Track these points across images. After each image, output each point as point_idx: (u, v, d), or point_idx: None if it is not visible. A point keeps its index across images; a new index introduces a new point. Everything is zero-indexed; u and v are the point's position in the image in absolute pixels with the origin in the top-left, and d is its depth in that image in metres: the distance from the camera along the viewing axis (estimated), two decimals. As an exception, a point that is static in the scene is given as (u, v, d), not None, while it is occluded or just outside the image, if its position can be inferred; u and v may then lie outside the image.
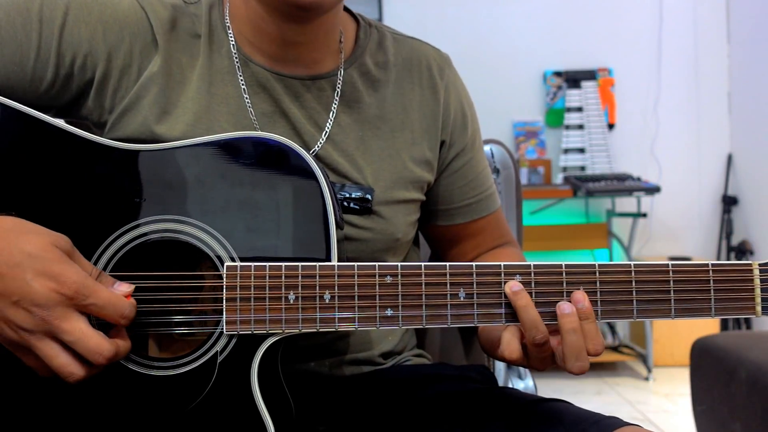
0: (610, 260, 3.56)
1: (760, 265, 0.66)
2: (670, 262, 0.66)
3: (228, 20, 0.80)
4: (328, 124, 0.81)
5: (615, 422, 0.68)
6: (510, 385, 1.08)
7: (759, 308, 0.66)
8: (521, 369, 1.12)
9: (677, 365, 3.21)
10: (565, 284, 0.65)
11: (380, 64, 0.86)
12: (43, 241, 0.59)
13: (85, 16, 0.75)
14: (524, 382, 1.10)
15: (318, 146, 0.80)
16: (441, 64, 0.90)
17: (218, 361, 0.65)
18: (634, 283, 0.66)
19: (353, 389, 0.83)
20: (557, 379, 3.19)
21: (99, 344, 0.59)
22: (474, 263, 0.65)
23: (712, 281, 0.66)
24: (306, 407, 0.78)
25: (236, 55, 0.79)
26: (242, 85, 0.78)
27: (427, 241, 0.97)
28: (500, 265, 0.65)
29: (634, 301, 0.66)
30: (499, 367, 1.09)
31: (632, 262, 0.66)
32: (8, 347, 0.60)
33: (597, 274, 0.65)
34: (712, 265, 0.66)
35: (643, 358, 3.27)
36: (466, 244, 0.92)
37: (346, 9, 0.86)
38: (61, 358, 0.59)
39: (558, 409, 0.72)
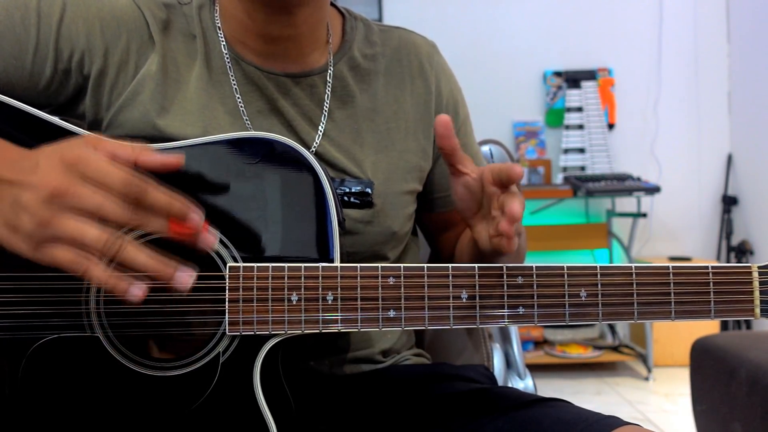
0: (610, 260, 3.56)
1: (759, 267, 0.67)
2: (671, 265, 0.66)
3: (218, 21, 0.80)
4: (322, 121, 0.81)
5: (615, 422, 0.68)
6: (510, 385, 1.08)
7: (758, 310, 0.67)
8: (521, 369, 1.13)
9: (677, 365, 3.21)
10: (566, 286, 0.66)
11: (369, 56, 0.86)
12: (70, 139, 0.58)
13: (82, 12, 0.75)
14: (524, 382, 1.10)
15: (316, 143, 0.80)
16: (429, 51, 0.90)
17: (221, 362, 0.65)
18: (635, 285, 0.66)
19: (353, 388, 0.83)
20: (557, 379, 3.19)
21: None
22: (476, 265, 0.66)
23: (711, 283, 0.66)
24: (306, 406, 0.78)
25: (227, 55, 0.79)
26: (234, 84, 0.79)
27: (421, 230, 0.97)
28: (502, 267, 0.66)
29: (635, 303, 0.66)
30: (499, 367, 1.09)
31: (633, 264, 0.66)
32: (30, 250, 0.56)
33: (598, 276, 0.66)
34: (712, 267, 0.66)
35: (643, 358, 3.27)
36: (462, 226, 0.93)
37: (331, 4, 0.87)
38: (93, 230, 0.54)
39: (558, 409, 0.73)
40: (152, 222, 0.56)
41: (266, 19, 0.77)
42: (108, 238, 0.54)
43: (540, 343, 3.43)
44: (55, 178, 0.54)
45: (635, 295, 0.66)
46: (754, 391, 1.35)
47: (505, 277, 0.66)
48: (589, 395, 2.95)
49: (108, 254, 0.55)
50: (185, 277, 0.57)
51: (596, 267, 0.66)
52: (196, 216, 0.57)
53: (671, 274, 0.66)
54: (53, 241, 0.55)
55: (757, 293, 0.66)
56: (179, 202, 0.57)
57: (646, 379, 3.18)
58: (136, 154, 0.58)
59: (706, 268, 0.66)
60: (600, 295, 0.66)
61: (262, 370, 0.65)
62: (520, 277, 0.66)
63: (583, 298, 0.66)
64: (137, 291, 0.55)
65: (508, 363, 1.13)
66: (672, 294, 0.66)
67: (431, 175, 0.89)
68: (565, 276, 0.66)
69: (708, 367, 1.59)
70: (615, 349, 3.40)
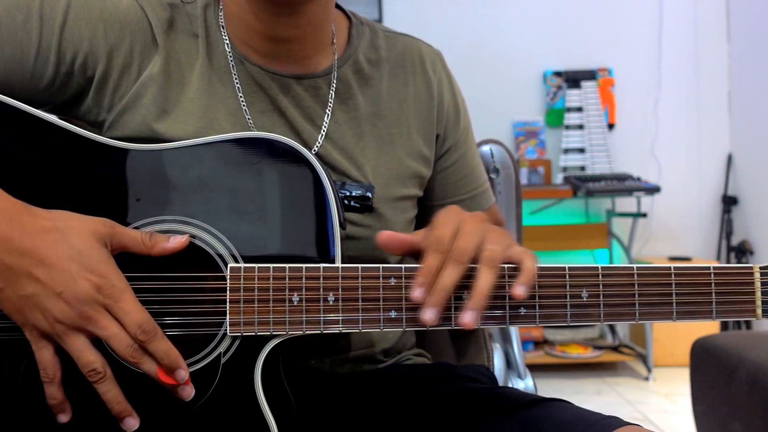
0: (610, 260, 3.56)
1: (761, 268, 0.67)
2: (672, 265, 0.66)
3: (223, 20, 0.80)
4: (324, 123, 0.81)
5: (615, 422, 0.68)
6: (510, 385, 1.08)
7: (759, 311, 0.67)
8: (521, 369, 1.13)
9: (677, 365, 3.22)
10: (568, 287, 0.66)
11: (373, 61, 0.86)
12: (89, 236, 0.62)
13: (85, 14, 0.75)
14: (524, 382, 1.10)
15: (318, 145, 0.80)
16: (433, 58, 0.91)
17: (222, 363, 0.65)
18: (636, 286, 0.66)
19: (353, 388, 0.83)
20: (557, 379, 3.19)
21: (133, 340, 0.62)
22: (477, 266, 0.65)
23: (713, 284, 0.66)
24: (307, 406, 0.78)
25: (231, 55, 0.79)
26: (237, 84, 0.79)
27: None
28: (504, 267, 0.65)
29: (637, 304, 0.66)
30: (499, 367, 1.09)
31: (635, 265, 0.66)
32: (31, 337, 0.62)
33: (600, 276, 0.66)
34: (714, 268, 0.66)
35: (643, 358, 3.27)
36: None
37: (338, 7, 0.87)
38: (91, 354, 0.61)
39: (558, 409, 0.73)
40: (146, 363, 0.63)
41: (272, 19, 0.77)
42: (96, 368, 0.61)
43: (540, 343, 3.43)
44: (84, 303, 0.60)
45: (637, 295, 0.66)
46: (754, 391, 1.35)
47: (506, 277, 0.66)
48: (589, 395, 2.95)
49: (88, 378, 0.62)
50: (131, 425, 0.64)
51: (598, 267, 0.66)
52: (182, 372, 0.63)
53: (673, 275, 0.66)
54: (52, 343, 0.62)
55: (758, 294, 0.66)
56: (172, 358, 0.63)
57: (646, 379, 3.19)
58: (148, 248, 0.65)
59: (708, 268, 0.66)
60: (601, 296, 0.66)
61: (263, 371, 0.65)
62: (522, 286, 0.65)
63: (585, 299, 0.66)
64: (64, 420, 0.63)
65: (509, 363, 1.13)
66: (674, 295, 0.66)
67: (429, 183, 0.89)
68: (567, 277, 0.66)
69: (708, 367, 1.59)
70: (615, 349, 3.40)
